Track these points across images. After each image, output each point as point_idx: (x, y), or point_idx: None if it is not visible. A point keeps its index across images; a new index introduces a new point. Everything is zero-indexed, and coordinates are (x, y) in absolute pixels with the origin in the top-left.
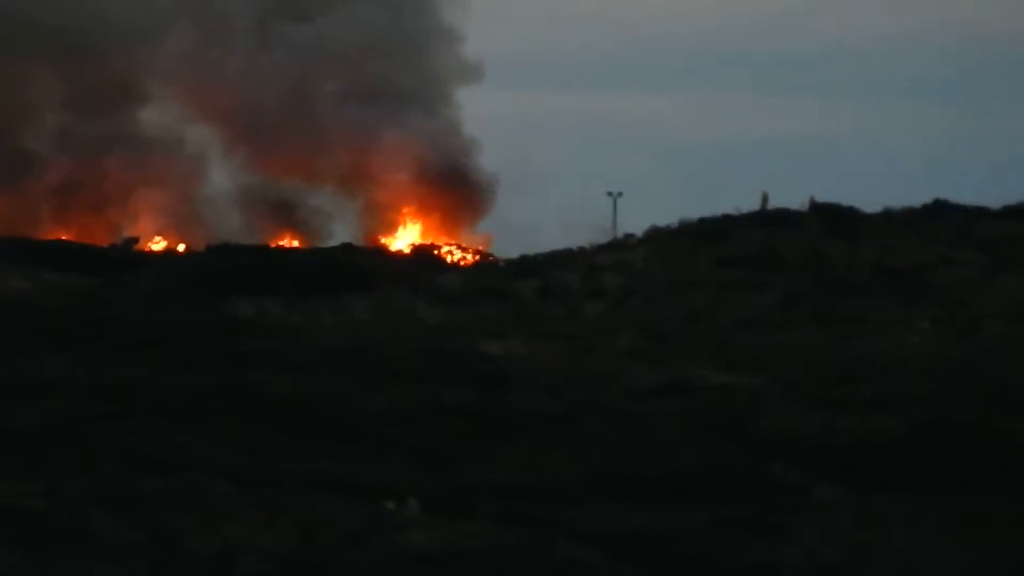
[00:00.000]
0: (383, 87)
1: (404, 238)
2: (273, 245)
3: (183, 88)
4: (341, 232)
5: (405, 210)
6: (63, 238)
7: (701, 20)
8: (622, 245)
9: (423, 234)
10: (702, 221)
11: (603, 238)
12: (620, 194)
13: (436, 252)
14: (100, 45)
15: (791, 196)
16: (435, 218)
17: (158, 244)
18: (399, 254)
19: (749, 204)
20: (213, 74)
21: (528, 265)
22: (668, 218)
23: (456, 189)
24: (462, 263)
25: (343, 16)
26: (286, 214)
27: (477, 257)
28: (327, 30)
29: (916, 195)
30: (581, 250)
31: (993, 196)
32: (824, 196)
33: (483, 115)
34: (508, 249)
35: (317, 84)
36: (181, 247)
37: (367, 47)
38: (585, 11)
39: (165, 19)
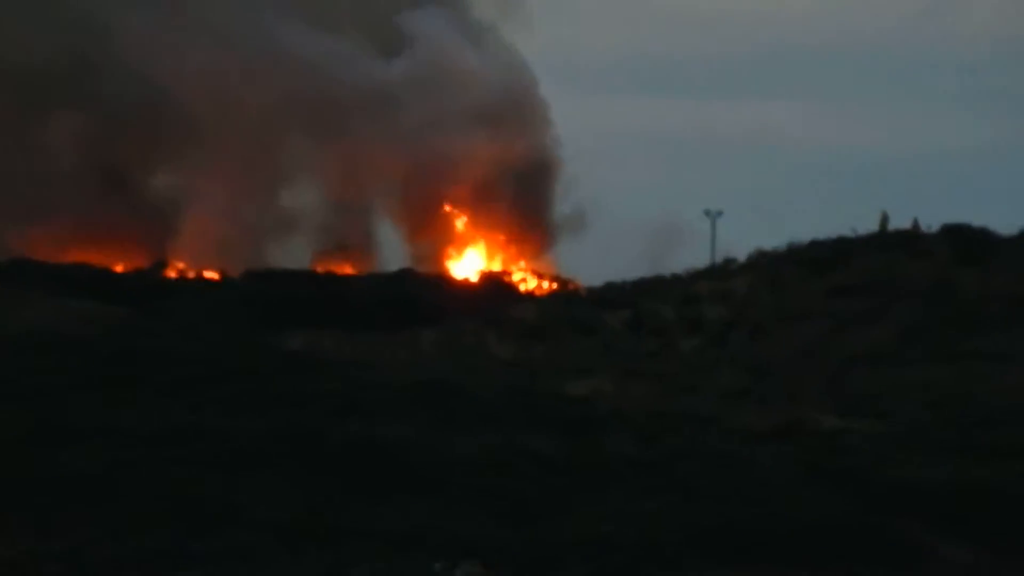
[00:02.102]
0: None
1: (470, 263)
2: (322, 271)
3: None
4: (393, 257)
5: (468, 225)
6: (85, 262)
7: (823, 21)
8: (722, 271)
9: (490, 258)
10: (813, 244)
11: (700, 263)
12: (720, 213)
13: (507, 279)
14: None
15: (914, 217)
16: (505, 238)
17: (190, 270)
18: (465, 282)
19: (867, 226)
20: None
21: (615, 294)
22: (774, 241)
23: (536, 205)
24: (538, 292)
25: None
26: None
27: (555, 285)
28: None
29: None
30: (675, 277)
31: None
32: (955, 217)
33: (569, 119)
34: (591, 276)
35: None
36: (212, 274)
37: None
38: (697, 13)
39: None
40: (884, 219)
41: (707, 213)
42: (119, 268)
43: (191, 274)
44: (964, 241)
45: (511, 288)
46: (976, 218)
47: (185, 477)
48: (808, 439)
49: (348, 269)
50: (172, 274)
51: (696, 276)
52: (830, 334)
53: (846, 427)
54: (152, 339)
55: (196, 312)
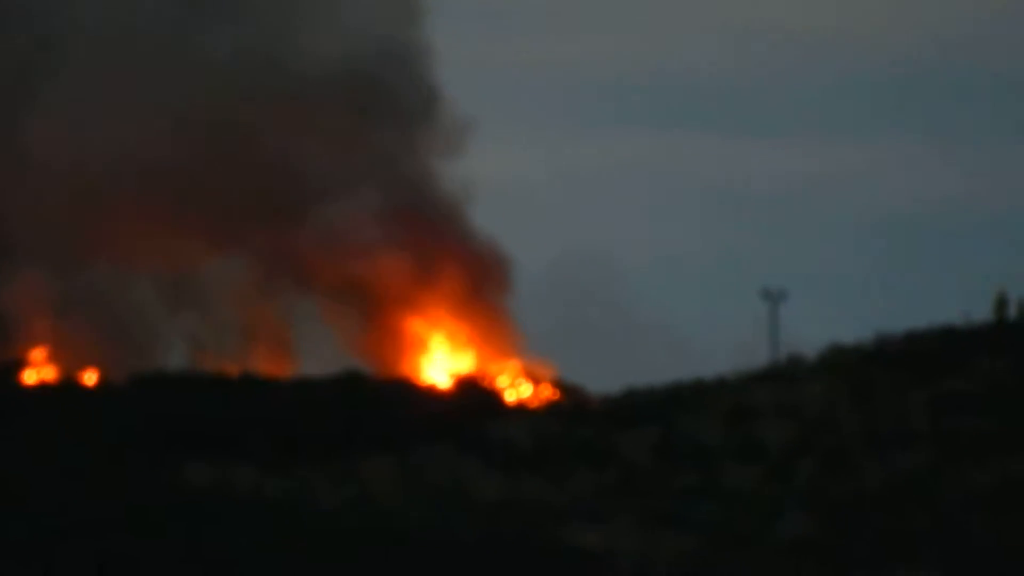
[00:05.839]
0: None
1: (441, 364)
2: (236, 373)
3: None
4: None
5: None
6: None
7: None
8: (787, 375)
9: (461, 352)
10: (911, 338)
11: (756, 363)
12: (783, 294)
13: (490, 386)
14: None
15: None
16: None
17: (46, 372)
18: (433, 389)
19: (982, 310)
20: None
21: (639, 406)
22: (851, 331)
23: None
24: (532, 404)
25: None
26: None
27: (553, 392)
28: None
29: None
30: (722, 382)
31: None
32: None
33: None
34: (603, 379)
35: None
36: (90, 377)
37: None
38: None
39: None
40: (1001, 302)
41: (767, 294)
42: None
43: (52, 377)
44: None
45: (495, 398)
46: None
47: None
48: None
49: (269, 369)
50: (30, 378)
51: (751, 380)
52: (938, 465)
53: None
54: None
55: (65, 433)
